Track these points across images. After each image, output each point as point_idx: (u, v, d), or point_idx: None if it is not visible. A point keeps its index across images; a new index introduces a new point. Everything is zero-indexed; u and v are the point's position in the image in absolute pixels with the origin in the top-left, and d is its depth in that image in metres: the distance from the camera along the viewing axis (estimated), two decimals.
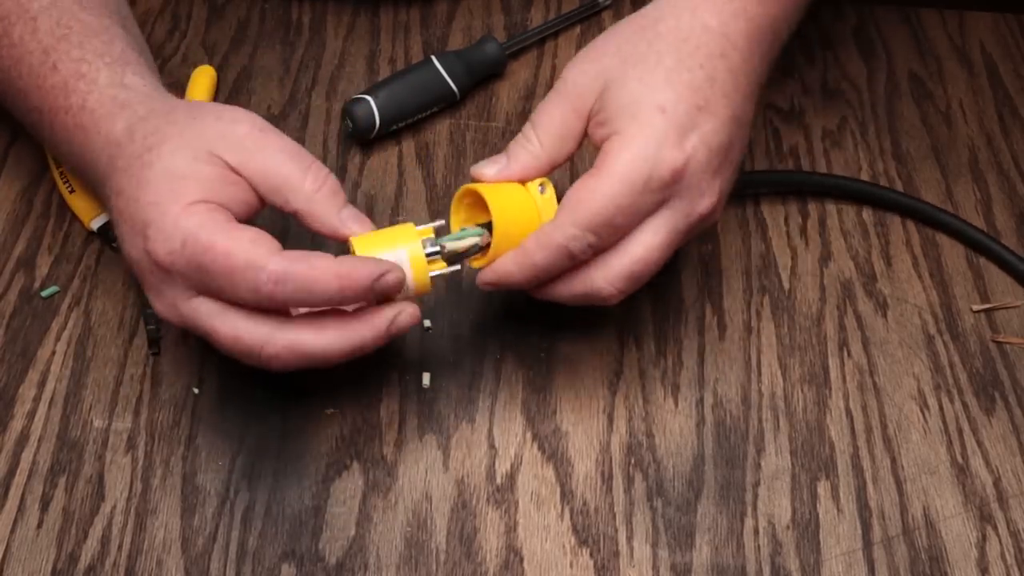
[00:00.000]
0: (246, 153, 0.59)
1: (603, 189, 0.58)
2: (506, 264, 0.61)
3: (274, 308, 0.57)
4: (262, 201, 0.60)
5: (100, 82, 0.63)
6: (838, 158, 0.79)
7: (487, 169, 0.62)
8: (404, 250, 0.59)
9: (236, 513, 0.61)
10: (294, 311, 0.59)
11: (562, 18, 0.85)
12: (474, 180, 0.63)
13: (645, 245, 0.60)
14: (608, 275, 0.60)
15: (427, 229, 0.61)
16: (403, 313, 0.59)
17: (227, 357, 0.67)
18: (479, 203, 0.62)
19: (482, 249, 0.62)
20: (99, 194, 0.63)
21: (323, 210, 0.59)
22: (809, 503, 0.63)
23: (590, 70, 0.62)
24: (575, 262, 0.60)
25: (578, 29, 0.86)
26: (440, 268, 0.61)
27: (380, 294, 0.58)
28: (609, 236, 0.59)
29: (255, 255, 0.56)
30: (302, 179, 0.59)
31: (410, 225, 0.61)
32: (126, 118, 0.61)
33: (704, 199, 0.60)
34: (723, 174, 0.61)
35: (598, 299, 0.61)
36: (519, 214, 0.61)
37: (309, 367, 0.59)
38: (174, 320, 0.59)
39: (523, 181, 0.62)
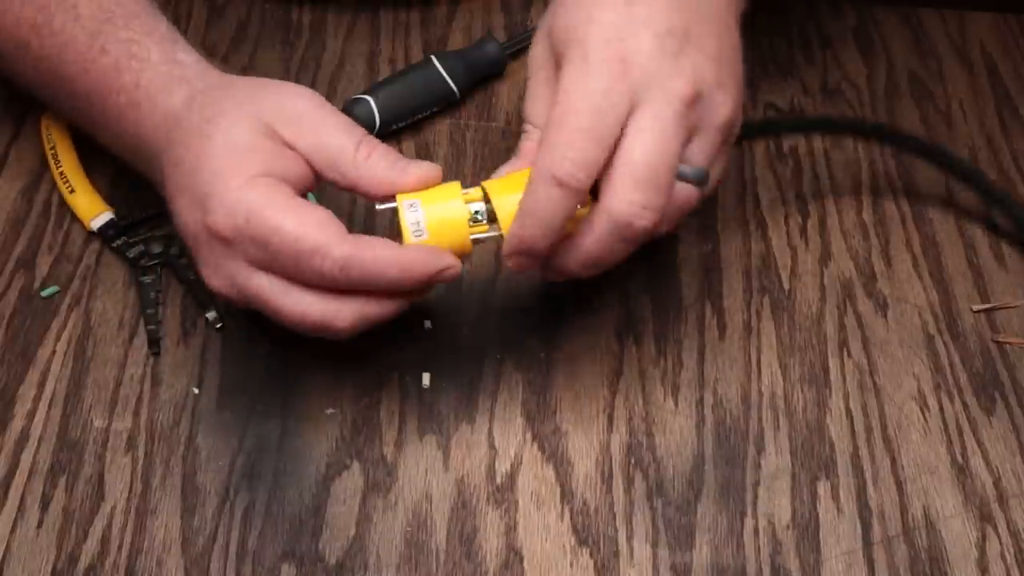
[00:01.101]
0: (302, 128, 0.59)
1: (562, 108, 0.56)
2: (513, 227, 0.58)
3: (335, 289, 0.58)
4: (317, 177, 0.60)
5: (152, 60, 0.63)
6: (838, 158, 0.79)
7: (501, 171, 0.62)
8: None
9: (236, 513, 0.61)
10: None
11: None
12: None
13: (638, 145, 0.56)
14: (619, 193, 0.56)
15: (476, 191, 0.60)
16: (449, 270, 0.58)
17: (226, 357, 0.67)
18: None
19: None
20: (150, 172, 0.64)
21: (376, 169, 0.59)
22: (809, 503, 0.63)
23: (539, 35, 0.62)
24: (570, 190, 0.56)
25: None
26: (481, 231, 0.60)
27: (439, 282, 0.59)
28: (585, 148, 0.56)
29: (322, 240, 0.56)
30: (354, 151, 0.59)
31: (456, 184, 0.60)
32: (184, 91, 0.62)
33: (676, 80, 0.57)
34: (691, 57, 0.58)
35: (628, 229, 0.57)
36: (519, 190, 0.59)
37: (373, 327, 0.60)
38: (230, 295, 0.59)
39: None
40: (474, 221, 0.60)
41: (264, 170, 0.58)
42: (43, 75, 0.67)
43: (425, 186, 0.60)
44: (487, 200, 0.60)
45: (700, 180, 0.59)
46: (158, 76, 0.63)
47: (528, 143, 0.62)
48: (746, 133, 0.69)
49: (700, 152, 0.59)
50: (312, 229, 0.56)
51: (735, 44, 0.62)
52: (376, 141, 0.60)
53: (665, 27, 0.58)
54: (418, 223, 0.59)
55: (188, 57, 0.64)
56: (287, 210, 0.57)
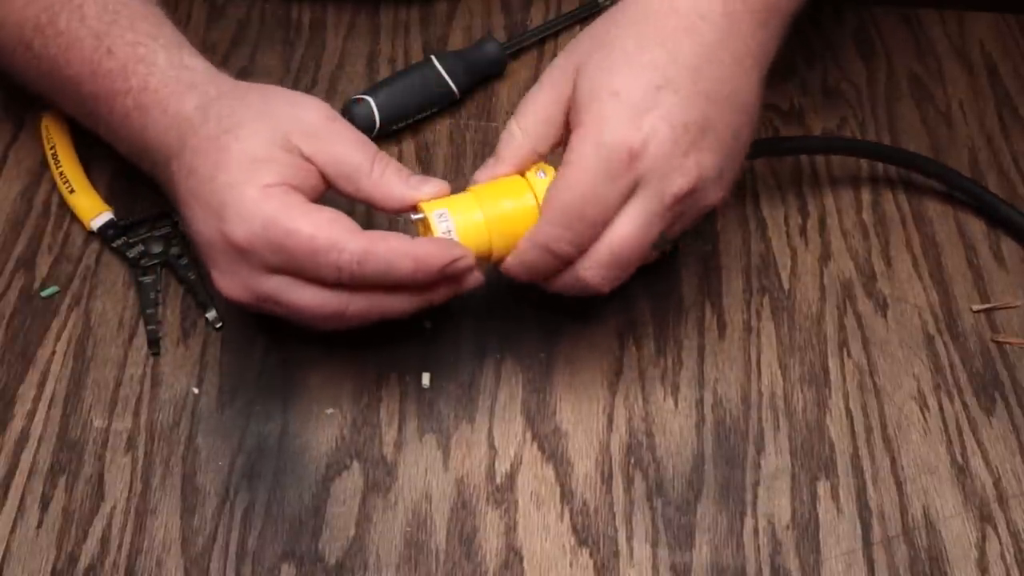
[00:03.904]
0: (317, 141, 0.61)
1: (567, 182, 0.59)
2: (510, 262, 0.62)
3: (353, 284, 0.59)
4: (327, 187, 0.61)
5: (159, 63, 0.64)
6: (838, 158, 0.79)
7: (480, 175, 0.63)
8: (480, 213, 0.61)
9: (236, 513, 0.61)
10: None
11: (562, 18, 0.85)
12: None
13: (621, 232, 0.59)
14: (588, 264, 0.60)
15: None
16: (462, 260, 0.60)
17: (226, 357, 0.67)
18: None
19: None
20: (155, 173, 0.64)
21: (391, 184, 0.61)
22: (809, 503, 0.63)
23: (567, 58, 0.62)
24: (563, 258, 0.60)
25: (578, 29, 0.86)
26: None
27: (455, 277, 0.60)
28: (584, 228, 0.59)
29: (337, 236, 0.57)
30: (370, 166, 0.61)
31: (471, 192, 0.62)
32: (197, 97, 0.62)
33: (677, 178, 0.58)
34: (702, 151, 0.59)
35: (589, 288, 0.61)
36: (507, 208, 0.61)
37: (386, 320, 0.61)
38: (244, 298, 0.60)
39: (520, 172, 0.62)
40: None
41: (279, 179, 0.59)
42: (47, 75, 0.67)
43: (435, 198, 0.62)
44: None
45: (663, 248, 0.63)
46: (166, 81, 0.63)
47: (506, 149, 0.62)
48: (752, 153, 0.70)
49: (674, 231, 0.62)
50: (326, 226, 0.58)
51: (752, 123, 0.63)
52: (388, 157, 0.62)
53: (684, 120, 0.58)
54: (449, 232, 0.61)
55: (195, 62, 0.65)
56: (301, 213, 0.58)
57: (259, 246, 0.58)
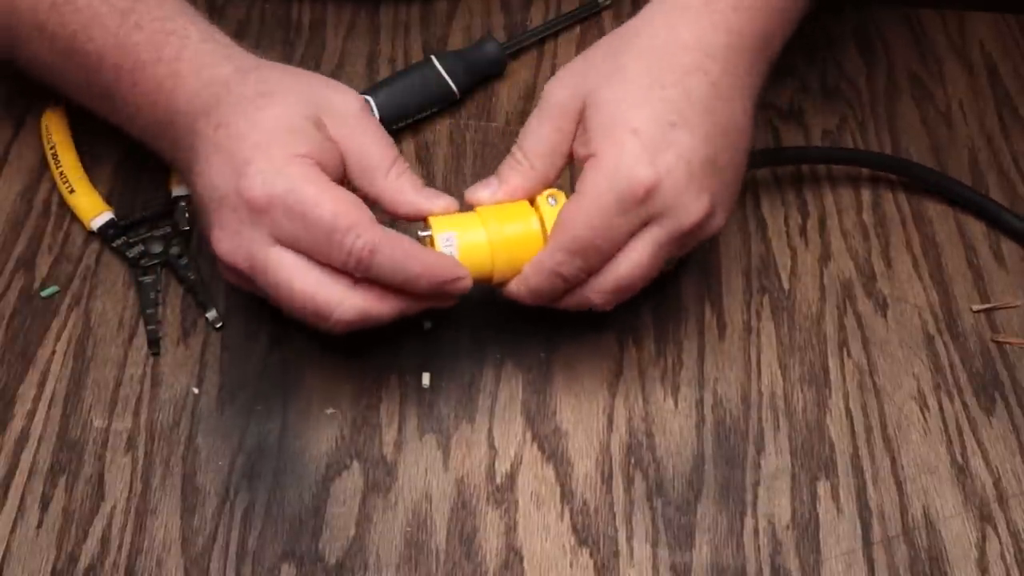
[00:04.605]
0: (346, 128, 0.62)
1: (581, 213, 0.60)
2: (513, 287, 0.63)
3: (355, 273, 0.59)
4: (343, 176, 0.62)
5: (192, 37, 0.64)
6: None
7: (481, 193, 0.63)
8: (483, 231, 0.62)
9: (236, 513, 0.61)
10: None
11: (562, 18, 0.85)
12: (470, 204, 0.64)
13: (631, 262, 0.61)
14: (595, 288, 0.62)
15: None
16: (461, 282, 0.60)
17: (226, 357, 0.67)
18: None
19: None
20: (180, 139, 0.63)
21: (405, 189, 0.62)
22: (809, 503, 0.63)
23: (570, 87, 0.63)
24: (572, 283, 0.61)
25: (578, 29, 0.86)
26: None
27: (448, 294, 0.61)
28: (594, 257, 0.60)
29: (358, 219, 0.58)
30: (389, 167, 0.62)
31: (478, 214, 0.63)
32: (234, 64, 0.63)
33: (689, 213, 0.60)
34: (711, 187, 0.61)
35: (589, 305, 0.63)
36: (512, 233, 0.62)
37: (365, 328, 0.61)
38: (239, 263, 0.59)
39: (528, 199, 0.63)
40: None
41: (307, 152, 0.59)
42: (62, 55, 0.67)
43: (445, 214, 0.62)
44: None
45: (666, 270, 0.65)
46: (201, 51, 0.64)
47: (515, 175, 0.63)
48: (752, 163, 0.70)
49: (677, 255, 0.64)
50: (349, 208, 0.58)
51: (748, 152, 0.65)
52: (406, 163, 0.63)
53: (699, 158, 0.60)
54: (451, 247, 0.61)
55: (227, 39, 0.66)
56: (326, 188, 0.58)
57: (277, 209, 0.58)
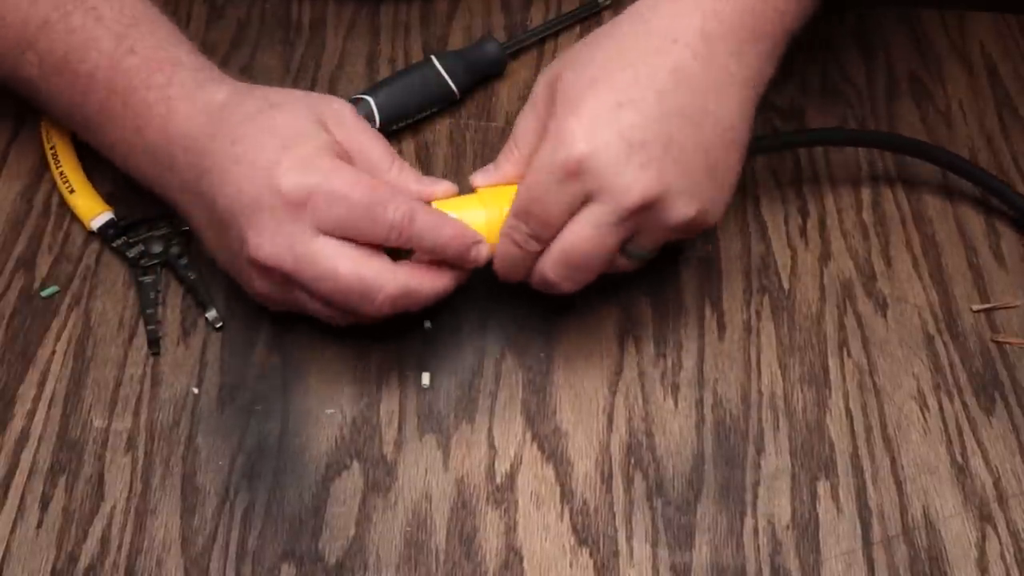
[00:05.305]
0: (347, 129, 0.65)
1: (525, 183, 0.63)
2: (496, 261, 0.65)
3: (396, 243, 0.62)
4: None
5: (184, 64, 0.66)
6: (837, 158, 0.79)
7: (479, 177, 0.67)
8: (483, 212, 0.65)
9: (236, 513, 0.61)
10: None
11: (562, 18, 0.85)
12: (472, 188, 0.67)
13: (572, 234, 0.62)
14: (546, 260, 0.63)
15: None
16: (482, 247, 0.64)
17: (226, 357, 0.67)
18: None
19: None
20: (187, 161, 0.63)
21: (409, 180, 0.65)
22: (809, 503, 0.63)
23: (547, 75, 0.65)
24: (524, 250, 0.63)
25: (578, 29, 0.86)
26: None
27: (471, 261, 0.64)
28: (537, 224, 0.62)
29: (392, 194, 0.62)
30: (390, 163, 0.65)
31: (477, 195, 0.66)
32: (228, 89, 0.65)
33: (629, 192, 0.60)
34: (659, 167, 0.60)
35: (550, 286, 0.64)
36: (507, 212, 0.64)
37: (404, 310, 0.63)
38: (285, 262, 0.61)
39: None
40: None
41: (326, 146, 0.62)
42: (51, 74, 0.66)
43: (447, 197, 0.66)
44: None
45: (641, 260, 0.65)
46: (193, 77, 0.65)
47: (505, 161, 0.66)
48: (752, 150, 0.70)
49: (647, 244, 0.64)
50: (381, 185, 0.62)
51: (733, 149, 0.64)
52: (403, 159, 0.66)
53: (641, 138, 0.60)
54: None
55: (216, 69, 0.67)
56: (356, 173, 0.62)
57: (317, 199, 0.60)
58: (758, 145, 0.72)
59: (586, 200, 0.61)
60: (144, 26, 0.67)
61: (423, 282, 0.63)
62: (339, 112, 0.65)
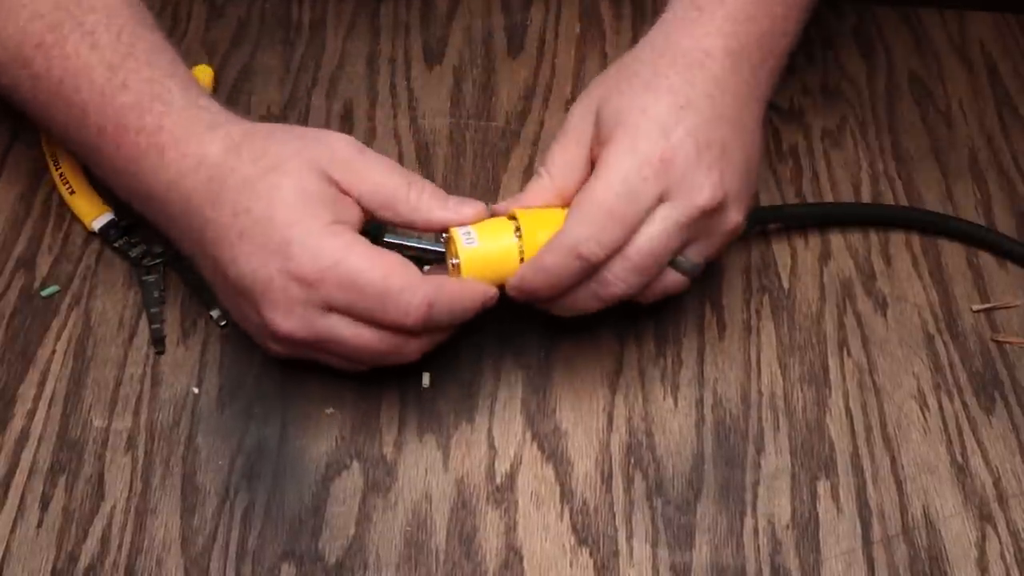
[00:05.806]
0: (352, 172, 0.61)
1: (599, 186, 0.60)
2: (524, 270, 0.62)
3: (415, 330, 0.60)
4: (366, 218, 0.62)
5: (175, 104, 0.63)
6: (838, 158, 0.79)
7: (508, 203, 0.64)
8: (518, 238, 0.62)
9: (236, 513, 0.61)
10: None
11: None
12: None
13: (647, 235, 0.61)
14: (614, 268, 0.61)
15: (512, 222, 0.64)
16: (493, 299, 0.63)
17: (227, 357, 0.67)
18: None
19: None
20: (184, 224, 0.62)
21: (431, 209, 0.62)
22: (809, 502, 0.63)
23: (583, 103, 0.65)
24: (587, 264, 0.60)
25: (578, 29, 0.86)
26: None
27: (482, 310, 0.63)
28: (612, 231, 0.60)
29: (409, 279, 0.59)
30: (407, 191, 0.62)
31: (506, 222, 0.63)
32: (220, 140, 0.61)
33: (703, 191, 0.61)
34: (721, 168, 0.61)
35: (606, 293, 0.62)
36: (547, 228, 0.62)
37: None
38: (306, 336, 0.60)
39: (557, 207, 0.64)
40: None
41: (334, 217, 0.60)
42: (43, 96, 0.65)
43: (474, 222, 0.63)
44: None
45: (690, 273, 0.64)
46: (183, 122, 0.62)
47: (535, 187, 0.64)
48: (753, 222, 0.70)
49: (699, 252, 0.64)
50: (398, 270, 0.59)
51: (759, 155, 0.66)
52: (423, 180, 0.63)
53: (707, 139, 0.61)
54: (472, 241, 0.62)
55: (210, 103, 0.64)
56: (371, 254, 0.59)
57: (328, 282, 0.58)
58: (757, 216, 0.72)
59: (660, 201, 0.61)
60: (140, 54, 0.64)
61: (446, 332, 0.63)
62: (340, 154, 0.62)
